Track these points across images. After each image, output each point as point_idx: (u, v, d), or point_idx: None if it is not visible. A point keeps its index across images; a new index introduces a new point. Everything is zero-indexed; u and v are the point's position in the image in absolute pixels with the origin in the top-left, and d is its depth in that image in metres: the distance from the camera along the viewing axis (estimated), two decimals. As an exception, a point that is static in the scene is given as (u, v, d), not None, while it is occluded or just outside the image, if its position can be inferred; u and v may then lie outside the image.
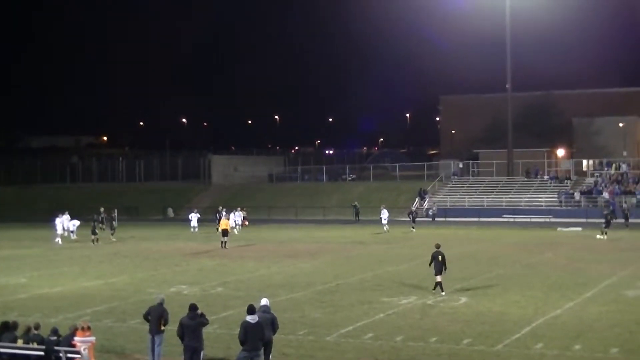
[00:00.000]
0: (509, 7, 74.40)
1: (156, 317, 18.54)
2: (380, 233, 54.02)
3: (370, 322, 23.29)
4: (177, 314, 19.68)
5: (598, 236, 47.93)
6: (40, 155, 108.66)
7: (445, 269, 28.21)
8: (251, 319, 16.97)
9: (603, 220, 49.31)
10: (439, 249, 28.40)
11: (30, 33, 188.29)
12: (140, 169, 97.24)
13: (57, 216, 51.03)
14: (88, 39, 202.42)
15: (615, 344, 20.08)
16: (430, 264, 28.50)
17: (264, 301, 18.32)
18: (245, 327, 16.91)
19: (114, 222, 52.73)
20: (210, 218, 60.17)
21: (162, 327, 18.51)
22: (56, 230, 49.91)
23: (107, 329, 22.64)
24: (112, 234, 51.62)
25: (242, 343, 16.99)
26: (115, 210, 55.61)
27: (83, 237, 50.34)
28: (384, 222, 55.09)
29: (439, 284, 28.01)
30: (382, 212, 55.92)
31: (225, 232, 45.83)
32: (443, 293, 27.79)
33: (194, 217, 57.25)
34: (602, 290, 28.30)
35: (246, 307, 17.46)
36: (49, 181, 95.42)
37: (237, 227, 55.23)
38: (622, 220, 56.97)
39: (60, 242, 48.87)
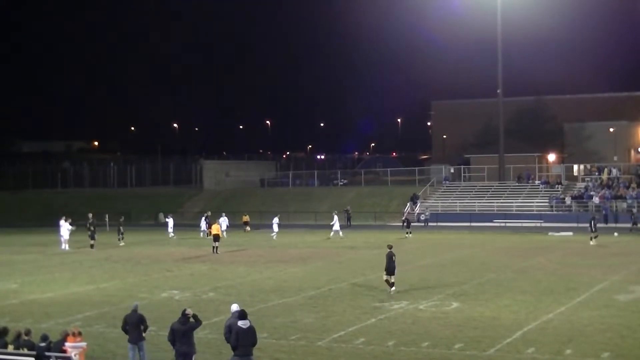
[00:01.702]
0: (500, 13, 74.58)
1: (134, 324, 18.42)
2: (329, 238, 54.21)
3: (362, 327, 23.28)
4: (168, 319, 19.65)
5: (591, 242, 47.61)
6: (31, 161, 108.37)
7: (395, 268, 29.38)
8: (243, 324, 16.95)
9: (589, 225, 49.26)
10: (392, 249, 29.46)
11: (22, 38, 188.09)
12: (132, 174, 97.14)
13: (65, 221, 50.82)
14: (79, 44, 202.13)
15: (606, 349, 20.12)
16: (386, 266, 29.32)
17: (235, 307, 18.25)
18: (237, 332, 16.90)
19: (121, 227, 53.29)
20: (196, 223, 60.20)
21: (144, 334, 18.41)
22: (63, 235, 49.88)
23: (98, 335, 22.57)
24: (121, 239, 52.29)
25: (234, 348, 16.99)
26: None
27: (79, 243, 50.21)
28: (336, 227, 55.08)
29: (391, 283, 29.15)
30: (333, 217, 56.04)
31: (216, 237, 45.80)
32: (393, 288, 28.92)
33: (170, 222, 57.39)
34: (594, 295, 28.35)
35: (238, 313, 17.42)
36: (40, 186, 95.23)
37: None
38: (630, 225, 56.61)
39: (66, 247, 48.82)
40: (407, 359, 19.66)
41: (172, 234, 56.76)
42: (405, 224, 57.25)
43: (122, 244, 51.65)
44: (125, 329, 18.62)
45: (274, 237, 54.99)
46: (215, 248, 45.24)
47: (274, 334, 22.44)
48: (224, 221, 56.95)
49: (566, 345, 20.59)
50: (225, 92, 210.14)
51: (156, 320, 22.80)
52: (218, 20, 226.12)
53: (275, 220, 56.87)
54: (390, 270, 29.15)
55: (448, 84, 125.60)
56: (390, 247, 29.82)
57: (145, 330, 18.46)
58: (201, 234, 56.80)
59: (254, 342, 17.09)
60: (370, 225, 67.45)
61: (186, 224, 65.54)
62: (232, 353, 17.21)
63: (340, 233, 54.89)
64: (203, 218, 58.46)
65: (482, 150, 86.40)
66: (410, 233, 55.47)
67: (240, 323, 16.96)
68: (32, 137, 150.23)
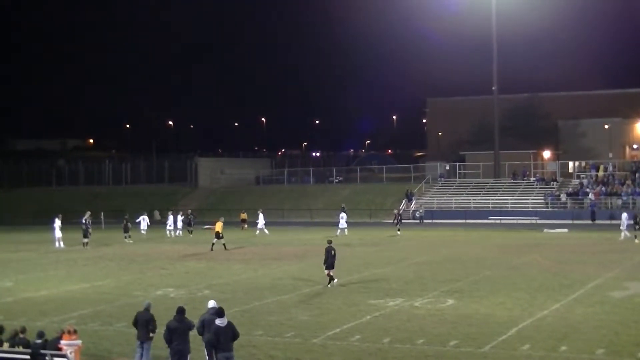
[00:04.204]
0: (495, 11, 74.65)
1: (143, 323, 18.38)
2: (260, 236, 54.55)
3: (357, 325, 23.28)
4: (163, 317, 19.61)
5: (636, 241, 46.29)
6: (26, 159, 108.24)
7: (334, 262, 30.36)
8: (220, 322, 16.94)
9: (633, 222, 47.65)
10: (331, 244, 30.40)
11: (16, 36, 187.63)
12: (127, 172, 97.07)
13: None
14: (74, 41, 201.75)
15: (601, 345, 20.15)
16: (325, 261, 30.33)
17: (212, 303, 18.26)
18: (217, 331, 16.89)
19: (129, 225, 53.67)
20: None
21: (151, 335, 18.37)
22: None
23: (93, 333, 22.52)
24: (128, 237, 52.73)
25: (214, 346, 16.97)
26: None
27: (72, 240, 50.11)
28: (260, 226, 55.67)
29: (330, 277, 30.27)
30: (259, 216, 56.34)
31: (218, 234, 45.90)
32: (335, 281, 30.33)
33: (143, 220, 57.66)
34: (588, 292, 28.39)
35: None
36: (34, 184, 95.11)
37: (178, 231, 57.14)
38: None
39: (61, 245, 48.72)
40: (402, 356, 19.66)
41: (145, 232, 57.18)
42: (396, 220, 57.04)
43: (129, 241, 51.73)
44: (135, 326, 18.57)
45: (345, 232, 54.65)
46: (216, 245, 45.42)
47: (269, 332, 22.44)
48: (143, 219, 57.45)
49: (561, 342, 20.61)
50: (220, 90, 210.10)
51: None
52: (214, 18, 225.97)
53: (343, 215, 55.93)
54: (329, 264, 30.17)
55: (443, 81, 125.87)
56: (329, 242, 30.92)
57: (152, 331, 18.39)
58: (167, 232, 56.45)
59: (234, 337, 17.11)
60: (365, 223, 67.48)
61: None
62: (206, 349, 17.29)
63: (266, 231, 55.42)
64: (180, 216, 58.58)
65: (477, 147, 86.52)
66: (399, 230, 55.19)
67: (218, 322, 16.95)
68: (27, 135, 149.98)
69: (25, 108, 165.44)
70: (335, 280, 30.38)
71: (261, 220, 56.09)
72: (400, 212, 62.47)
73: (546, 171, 79.92)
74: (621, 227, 48.50)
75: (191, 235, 56.32)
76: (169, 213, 58.96)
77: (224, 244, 45.78)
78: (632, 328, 22.13)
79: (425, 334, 21.75)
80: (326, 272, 30.46)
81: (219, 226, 46.68)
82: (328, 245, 30.60)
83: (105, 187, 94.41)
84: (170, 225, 56.78)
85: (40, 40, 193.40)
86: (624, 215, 49.53)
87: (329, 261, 30.20)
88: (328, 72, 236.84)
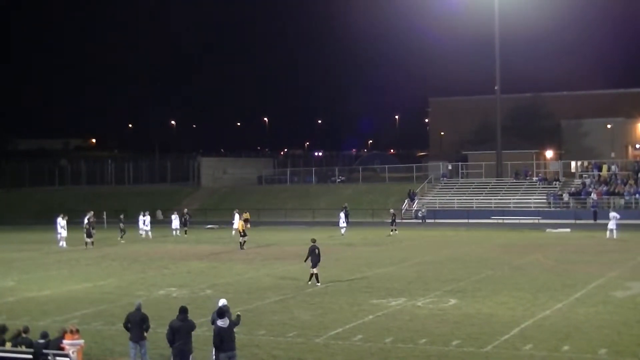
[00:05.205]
0: (497, 10, 74.59)
1: (137, 323, 18.35)
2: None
3: (359, 324, 23.28)
4: (166, 317, 19.63)
5: None
6: (28, 158, 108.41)
7: (319, 261, 31.01)
8: (222, 323, 16.95)
9: None
10: (315, 243, 31.35)
11: (18, 35, 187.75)
12: (129, 172, 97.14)
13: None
14: (76, 42, 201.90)
15: (603, 345, 20.14)
16: (306, 259, 31.16)
17: (223, 301, 18.28)
18: (219, 331, 16.89)
19: (121, 225, 53.62)
20: (196, 221, 60.13)
21: (145, 334, 18.34)
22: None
23: (95, 332, 22.55)
24: (121, 237, 52.74)
25: (218, 348, 16.98)
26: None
27: (75, 240, 50.15)
28: (235, 226, 54.87)
29: (315, 275, 30.82)
30: (234, 216, 56.20)
31: (243, 233, 46.40)
32: (318, 284, 30.50)
33: (141, 220, 57.83)
34: (591, 292, 28.37)
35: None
36: (37, 184, 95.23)
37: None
38: None
39: (63, 245, 48.76)
40: (405, 356, 19.66)
41: (144, 233, 57.12)
42: (391, 220, 56.61)
43: (122, 241, 51.78)
44: (127, 327, 18.45)
45: (343, 232, 54.53)
46: (242, 243, 45.81)
47: (272, 331, 22.44)
48: (141, 220, 57.46)
49: (563, 341, 20.61)
50: (223, 89, 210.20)
51: (154, 317, 22.71)
52: (217, 18, 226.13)
53: (341, 215, 55.74)
54: (313, 263, 30.80)
55: (445, 81, 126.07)
56: (313, 240, 31.68)
57: (147, 330, 18.38)
58: (142, 233, 56.14)
59: (236, 324, 17.24)
60: (367, 222, 67.45)
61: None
62: (213, 349, 17.33)
63: (233, 232, 54.84)
64: (174, 216, 58.49)
65: (479, 146, 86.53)
66: (396, 230, 54.98)
67: (219, 322, 16.95)
68: (29, 135, 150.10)
69: (28, 108, 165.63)
70: (319, 283, 30.60)
71: (236, 221, 55.82)
72: (395, 212, 62.26)
73: (549, 171, 79.81)
74: (609, 226, 48.44)
75: (186, 235, 56.33)
76: (146, 213, 58.49)
77: (240, 242, 46.06)
78: (635, 328, 22.13)
79: (428, 334, 21.75)
80: (312, 270, 30.85)
81: (241, 225, 46.89)
82: (312, 244, 31.19)
83: (107, 187, 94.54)
84: (146, 226, 56.45)
85: (40, 40, 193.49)
86: (612, 214, 49.48)
87: (314, 260, 30.77)
88: (330, 71, 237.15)
